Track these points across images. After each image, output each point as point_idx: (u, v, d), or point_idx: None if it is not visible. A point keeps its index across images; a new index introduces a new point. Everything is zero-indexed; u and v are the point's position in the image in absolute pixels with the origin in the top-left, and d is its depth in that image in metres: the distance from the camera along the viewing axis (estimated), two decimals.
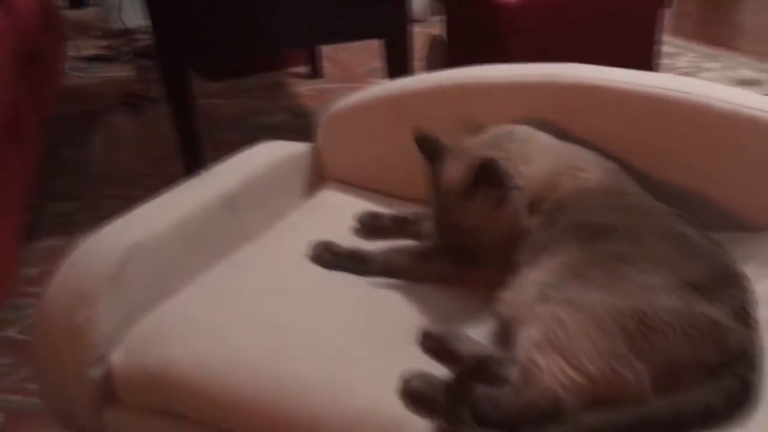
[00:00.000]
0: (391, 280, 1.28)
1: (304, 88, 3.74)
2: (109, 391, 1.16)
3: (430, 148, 1.27)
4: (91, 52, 4.30)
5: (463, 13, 3.05)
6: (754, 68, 3.44)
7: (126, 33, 4.38)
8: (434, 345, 1.08)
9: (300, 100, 3.58)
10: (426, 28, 4.19)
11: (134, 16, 4.27)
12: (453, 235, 1.23)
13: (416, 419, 0.95)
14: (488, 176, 1.16)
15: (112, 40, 4.41)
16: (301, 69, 3.91)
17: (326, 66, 3.90)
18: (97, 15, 4.67)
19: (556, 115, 1.36)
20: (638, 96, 1.32)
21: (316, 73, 3.84)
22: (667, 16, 3.76)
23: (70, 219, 2.54)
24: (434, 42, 3.87)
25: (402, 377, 0.99)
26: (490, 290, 1.16)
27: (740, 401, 0.90)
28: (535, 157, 1.24)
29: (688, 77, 1.32)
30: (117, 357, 1.14)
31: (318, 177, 1.63)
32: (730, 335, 0.94)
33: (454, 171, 1.21)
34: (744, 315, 0.98)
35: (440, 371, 1.02)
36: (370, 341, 1.10)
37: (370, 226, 1.42)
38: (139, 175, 2.81)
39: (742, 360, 0.93)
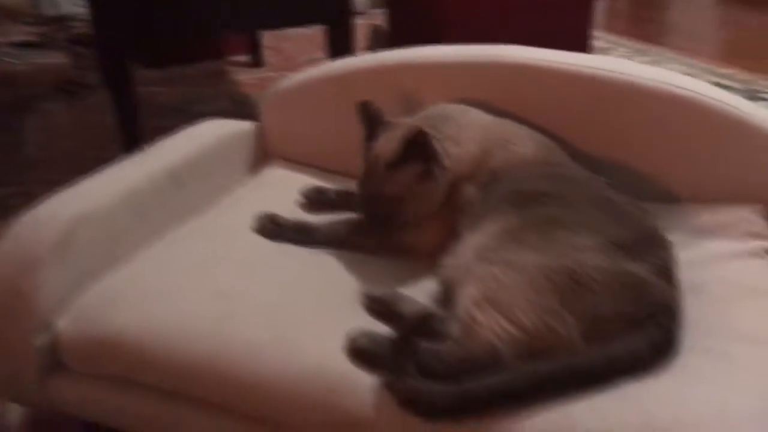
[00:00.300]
0: (335, 251, 1.31)
1: (245, 77, 3.72)
2: (55, 360, 1.17)
3: (371, 120, 1.31)
4: (22, 38, 4.19)
5: (405, 3, 3.10)
6: (681, 63, 3.59)
7: (60, 19, 4.28)
8: (378, 307, 1.13)
9: (241, 89, 3.57)
10: (368, 20, 4.24)
11: (69, 3, 4.18)
12: (375, 204, 1.27)
13: (363, 375, 1.00)
14: (418, 148, 1.21)
15: (44, 26, 4.31)
16: (243, 58, 3.89)
17: (268, 55, 3.89)
18: (28, 1, 4.55)
19: (496, 93, 1.42)
20: (574, 75, 1.39)
21: (257, 62, 3.83)
22: (600, 12, 3.90)
23: (4, 204, 2.48)
24: (376, 32, 3.91)
25: (348, 336, 1.03)
26: (432, 259, 1.21)
27: (663, 349, 0.98)
28: (466, 137, 1.29)
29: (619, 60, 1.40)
30: (64, 324, 1.15)
31: (263, 155, 1.66)
32: (653, 290, 1.01)
33: (386, 142, 1.26)
34: (666, 273, 1.06)
35: (384, 332, 1.06)
36: (317, 305, 1.14)
37: (315, 201, 1.46)
38: (77, 161, 2.75)
39: (665, 312, 1.00)
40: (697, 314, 1.05)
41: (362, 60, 1.60)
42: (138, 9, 2.15)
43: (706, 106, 1.31)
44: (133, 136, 2.28)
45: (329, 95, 1.57)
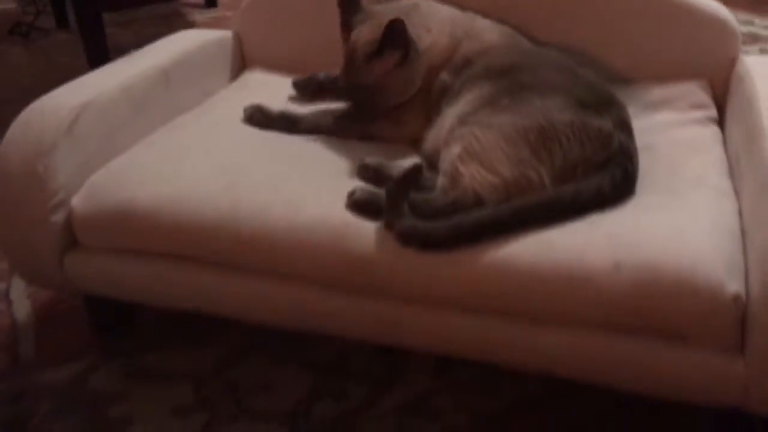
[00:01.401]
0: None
1: (200, 17, 3.74)
2: (71, 237, 1.26)
3: (347, 5, 1.40)
4: None
5: None
6: None
7: None
8: (371, 174, 1.24)
9: (197, 27, 3.59)
10: None
11: None
12: (357, 93, 1.37)
13: (364, 222, 1.12)
14: (394, 37, 1.30)
15: None
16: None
17: None
18: None
19: None
20: None
21: (210, 2, 3.85)
22: None
23: None
24: None
25: (348, 192, 1.15)
26: (414, 143, 1.33)
27: (623, 185, 1.13)
28: (436, 26, 1.39)
29: None
30: (77, 202, 1.24)
31: (241, 62, 1.74)
32: (613, 138, 1.15)
33: (363, 33, 1.35)
34: (623, 124, 1.20)
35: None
36: (313, 175, 1.25)
37: (306, 88, 1.56)
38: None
39: (623, 155, 1.15)
40: (648, 168, 1.20)
41: None
42: None
43: None
44: None
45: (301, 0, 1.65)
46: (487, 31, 1.43)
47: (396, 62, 1.33)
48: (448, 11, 1.47)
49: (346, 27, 1.39)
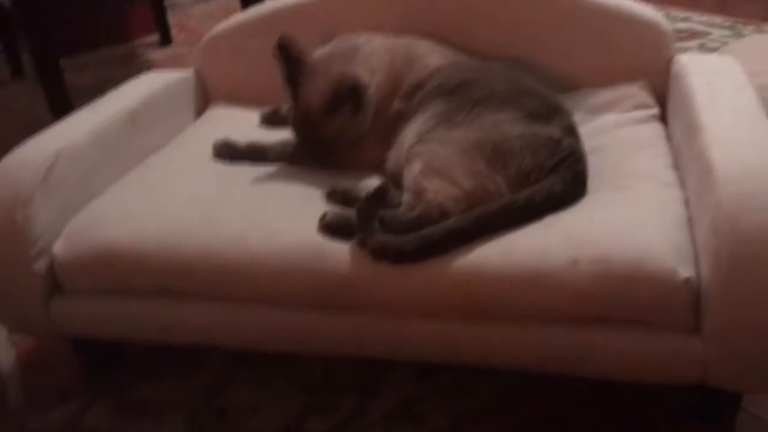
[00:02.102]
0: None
1: (155, 56, 3.78)
2: (54, 283, 1.30)
3: (290, 60, 1.41)
4: None
5: None
6: None
7: None
8: (339, 197, 1.31)
9: (154, 66, 3.63)
10: None
11: None
12: (314, 145, 1.42)
13: (335, 243, 1.18)
14: (348, 93, 1.35)
15: None
16: (150, 39, 3.95)
17: (173, 34, 3.97)
18: None
19: (411, 13, 1.61)
20: None
21: (165, 40, 3.89)
22: None
23: None
24: None
25: (320, 216, 1.21)
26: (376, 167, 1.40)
27: (574, 186, 1.21)
28: (378, 64, 1.45)
29: None
30: (58, 248, 1.28)
31: (204, 99, 1.80)
32: (561, 143, 1.24)
33: (315, 92, 1.38)
34: (570, 129, 1.29)
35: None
36: (285, 203, 1.31)
37: (271, 119, 1.63)
38: (8, 148, 2.79)
39: (572, 158, 1.23)
40: (598, 168, 1.28)
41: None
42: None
43: (588, 2, 1.55)
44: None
45: (258, 35, 1.70)
46: (429, 55, 1.50)
47: (353, 113, 1.38)
48: (383, 44, 1.51)
49: (290, 82, 1.41)
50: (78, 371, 1.50)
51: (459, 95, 1.33)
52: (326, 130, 1.39)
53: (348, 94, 1.36)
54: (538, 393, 1.35)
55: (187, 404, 1.40)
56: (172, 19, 4.01)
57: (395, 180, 1.32)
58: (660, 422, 1.28)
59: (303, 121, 1.41)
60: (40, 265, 1.28)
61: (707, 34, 3.14)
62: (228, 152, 1.50)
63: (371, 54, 1.47)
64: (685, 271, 1.05)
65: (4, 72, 3.62)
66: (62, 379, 1.49)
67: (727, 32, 3.14)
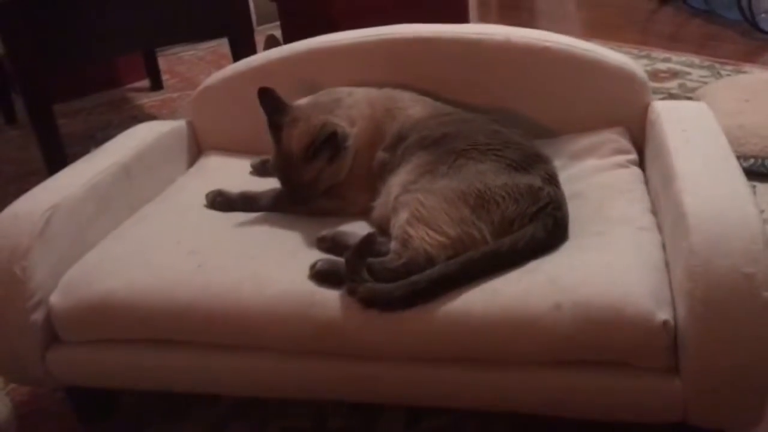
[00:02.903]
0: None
1: (147, 101, 3.84)
2: (51, 334, 1.33)
3: (272, 106, 1.49)
4: None
5: (296, 10, 3.33)
6: None
7: None
8: (329, 244, 1.35)
9: (145, 111, 3.69)
10: (261, 35, 4.44)
11: None
12: (294, 188, 1.48)
13: (328, 291, 1.22)
14: (327, 141, 1.42)
15: None
16: (141, 84, 4.02)
17: (164, 79, 4.04)
18: None
19: (393, 66, 1.67)
20: (459, 41, 1.66)
21: (156, 85, 3.96)
22: (473, 8, 4.26)
23: None
24: (270, 42, 4.12)
25: (310, 265, 1.25)
26: (361, 214, 1.45)
27: (555, 232, 1.25)
28: (357, 115, 1.52)
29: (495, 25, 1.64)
30: (55, 299, 1.31)
31: (196, 148, 1.85)
32: (542, 191, 1.29)
33: (296, 138, 1.45)
34: (550, 178, 1.34)
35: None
36: (277, 251, 1.35)
37: (261, 169, 1.68)
38: (1, 194, 2.83)
39: (552, 205, 1.27)
40: (578, 213, 1.33)
41: (277, 51, 1.81)
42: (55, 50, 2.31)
43: (566, 53, 1.61)
44: (63, 165, 2.42)
45: (249, 86, 1.74)
46: (410, 106, 1.56)
47: (328, 160, 1.45)
48: (364, 95, 1.58)
49: (274, 127, 1.48)
50: (73, 421, 1.51)
51: (442, 147, 1.38)
52: (305, 175, 1.45)
53: (327, 142, 1.42)
54: None
55: None
56: (162, 65, 4.09)
57: (382, 229, 1.37)
58: None
59: (284, 165, 1.47)
60: (38, 316, 1.30)
61: (687, 74, 3.23)
62: (221, 202, 1.54)
63: (352, 106, 1.53)
64: (663, 314, 1.09)
65: None
66: (57, 429, 1.51)
67: (705, 72, 3.23)
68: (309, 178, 1.45)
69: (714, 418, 1.15)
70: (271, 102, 1.49)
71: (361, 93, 1.58)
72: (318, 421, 1.46)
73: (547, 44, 1.62)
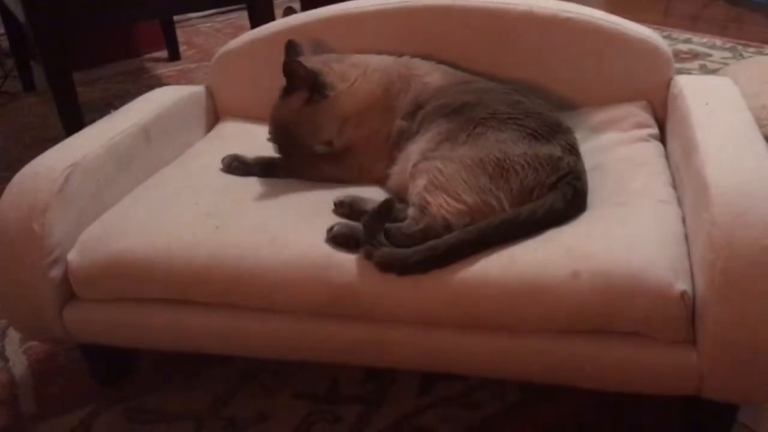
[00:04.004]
0: None
1: (164, 71, 3.85)
2: (69, 291, 1.34)
3: (290, 51, 1.56)
4: None
5: None
6: None
7: None
8: (346, 210, 1.34)
9: (163, 81, 3.70)
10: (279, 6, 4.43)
11: None
12: (276, 133, 1.52)
13: (345, 254, 1.21)
14: (294, 78, 1.45)
15: None
16: (158, 54, 4.03)
17: (182, 50, 4.04)
18: None
19: (414, 35, 1.65)
20: (479, 10, 1.65)
21: (174, 56, 3.96)
22: None
23: None
24: (288, 14, 4.10)
25: (327, 228, 1.25)
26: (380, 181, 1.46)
27: (574, 202, 1.24)
28: (359, 75, 1.52)
29: None
30: (73, 256, 1.32)
31: (214, 115, 1.84)
32: (562, 161, 1.27)
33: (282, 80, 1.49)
34: (571, 148, 1.32)
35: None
36: (294, 214, 1.35)
37: None
38: (19, 160, 2.84)
39: (572, 175, 1.26)
40: (598, 185, 1.32)
41: (296, 17, 1.80)
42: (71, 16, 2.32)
43: (589, 25, 1.59)
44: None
45: (267, 53, 1.75)
46: (428, 74, 1.55)
47: (304, 101, 1.47)
48: (379, 61, 1.58)
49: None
50: (88, 380, 1.53)
51: (462, 115, 1.37)
52: (283, 113, 1.49)
53: (296, 81, 1.46)
54: (542, 406, 1.38)
55: (195, 413, 1.43)
56: (180, 36, 4.09)
57: (399, 197, 1.36)
58: None
59: (272, 107, 1.51)
60: (56, 273, 1.31)
61: (708, 55, 3.19)
62: (237, 167, 1.54)
63: (355, 65, 1.55)
64: (682, 285, 1.08)
65: (16, 86, 3.69)
66: (73, 387, 1.53)
67: (727, 54, 3.19)
68: (286, 118, 1.48)
69: (728, 391, 1.14)
70: (293, 54, 1.56)
71: (375, 59, 1.58)
72: (330, 386, 1.46)
73: (571, 15, 1.60)
